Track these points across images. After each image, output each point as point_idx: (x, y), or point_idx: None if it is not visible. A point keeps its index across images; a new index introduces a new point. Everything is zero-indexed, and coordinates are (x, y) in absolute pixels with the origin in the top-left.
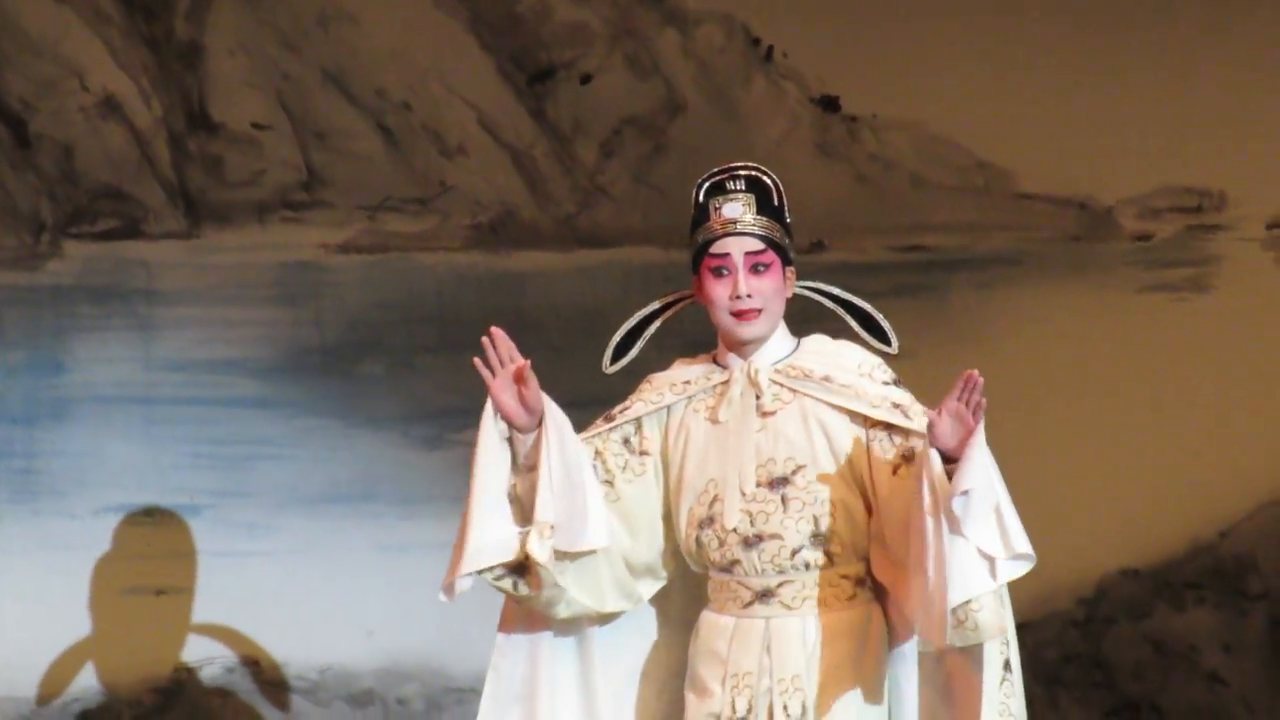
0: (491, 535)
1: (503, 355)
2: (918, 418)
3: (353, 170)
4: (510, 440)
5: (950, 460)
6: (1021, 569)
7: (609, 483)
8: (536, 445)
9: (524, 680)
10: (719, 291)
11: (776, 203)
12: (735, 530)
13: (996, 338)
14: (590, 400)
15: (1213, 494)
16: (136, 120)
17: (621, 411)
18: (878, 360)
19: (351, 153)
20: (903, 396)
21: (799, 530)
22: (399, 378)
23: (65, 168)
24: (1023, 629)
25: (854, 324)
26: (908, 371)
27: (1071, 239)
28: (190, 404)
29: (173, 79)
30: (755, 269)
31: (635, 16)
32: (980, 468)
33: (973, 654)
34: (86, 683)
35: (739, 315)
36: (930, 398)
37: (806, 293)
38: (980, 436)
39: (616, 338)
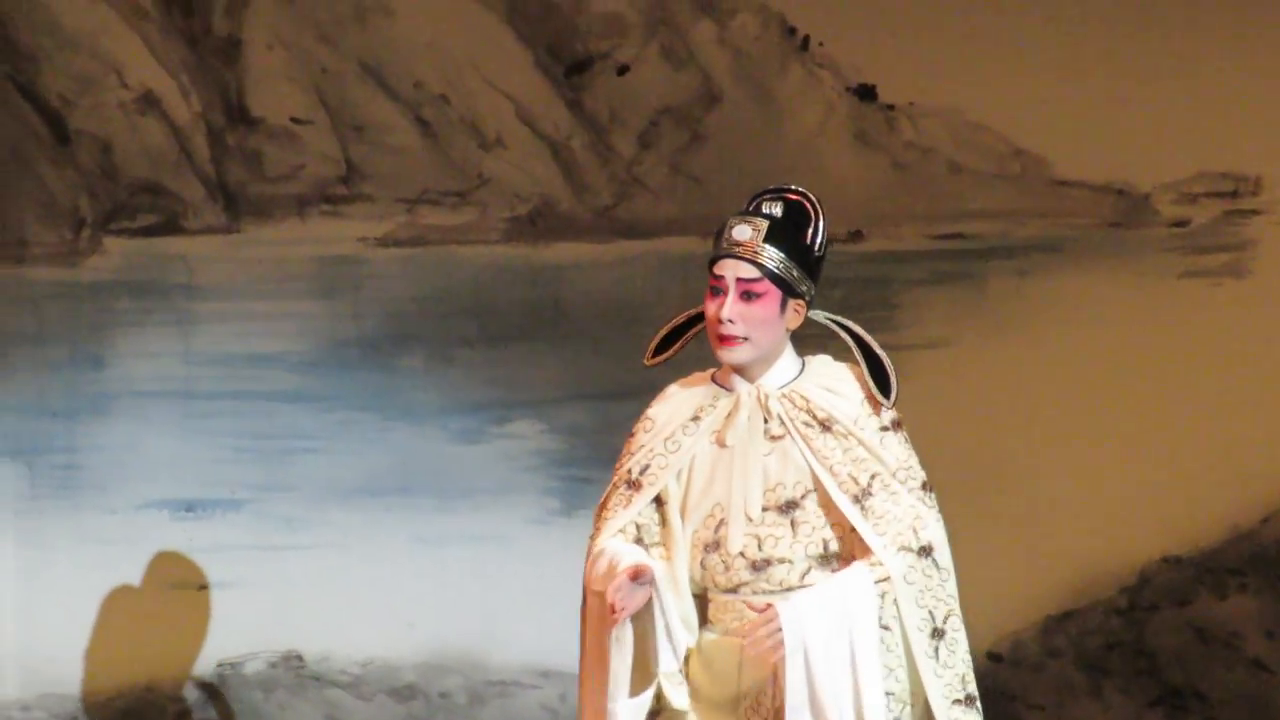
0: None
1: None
2: (894, 477)
3: (391, 163)
4: None
5: None
6: None
7: (661, 544)
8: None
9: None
10: (710, 309)
11: (805, 235)
12: (742, 554)
13: (1034, 325)
14: (628, 391)
15: (1253, 480)
16: (175, 115)
17: (644, 471)
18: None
19: (389, 146)
20: (889, 455)
21: (808, 554)
22: (437, 371)
23: (104, 164)
24: (1066, 618)
25: (864, 369)
26: (945, 360)
27: (1109, 225)
28: (229, 398)
29: (211, 74)
30: (745, 296)
31: (670, 6)
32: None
33: None
34: (130, 679)
35: (720, 339)
36: (966, 387)
37: (831, 325)
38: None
39: (661, 333)
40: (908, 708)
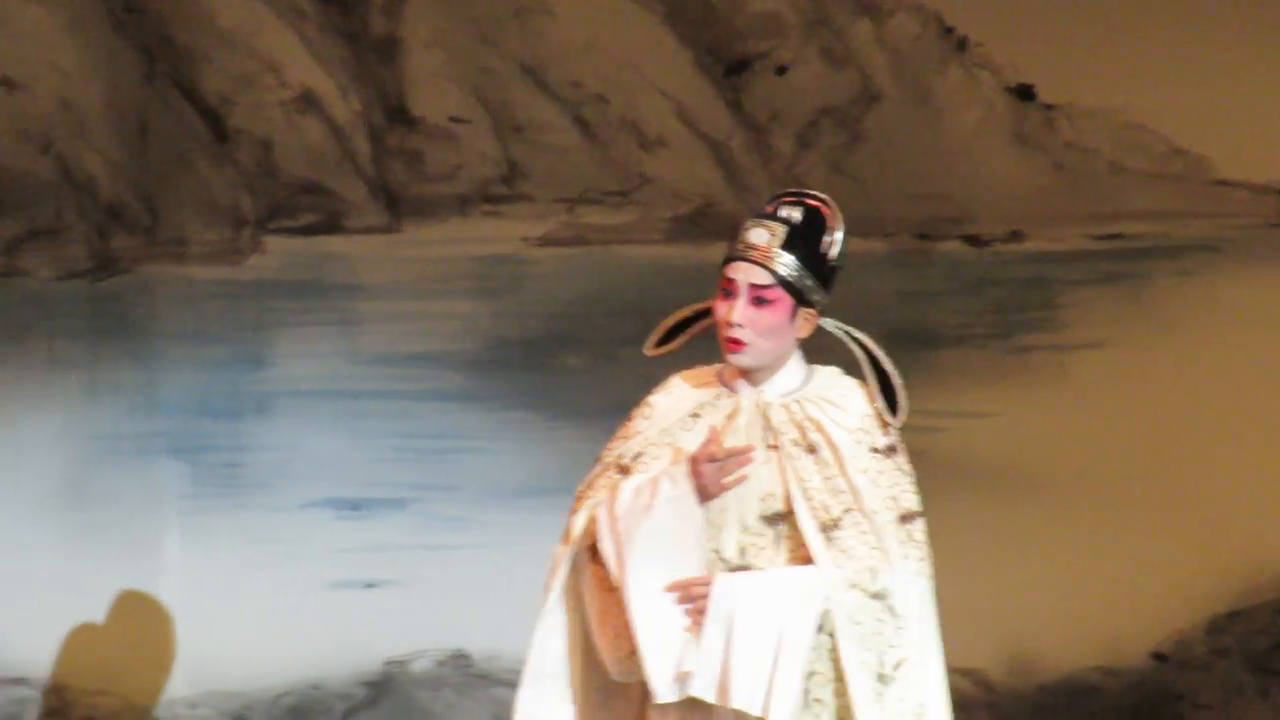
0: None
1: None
2: (870, 513)
3: (551, 163)
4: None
5: None
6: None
7: None
8: None
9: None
10: (720, 310)
11: (822, 243)
12: (724, 559)
13: (1196, 325)
14: None
15: None
16: (335, 114)
17: (636, 458)
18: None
19: (550, 146)
20: (869, 486)
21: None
22: (600, 370)
23: (264, 162)
24: (1233, 617)
25: (873, 384)
26: (1107, 360)
27: (1270, 225)
28: (393, 398)
29: (370, 73)
30: (756, 301)
31: (828, 6)
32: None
33: None
34: (296, 676)
35: (728, 342)
36: (1129, 387)
37: (842, 336)
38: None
39: (666, 325)
40: None
